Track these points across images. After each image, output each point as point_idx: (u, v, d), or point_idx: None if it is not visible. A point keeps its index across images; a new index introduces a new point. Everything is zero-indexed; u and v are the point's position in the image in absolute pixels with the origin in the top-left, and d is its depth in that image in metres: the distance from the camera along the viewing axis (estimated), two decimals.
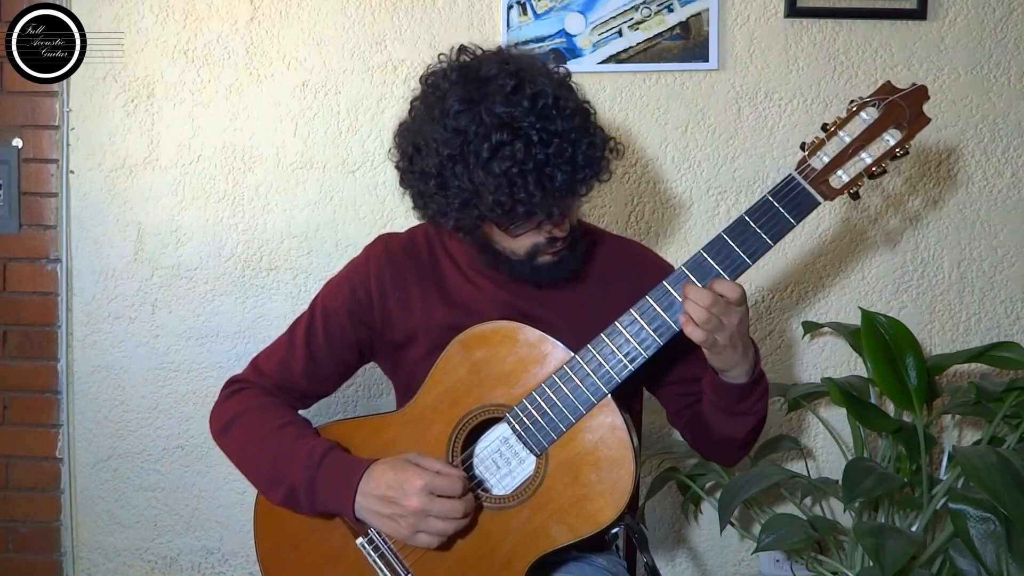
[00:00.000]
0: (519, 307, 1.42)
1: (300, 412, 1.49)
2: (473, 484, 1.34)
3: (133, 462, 2.22)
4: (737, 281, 1.27)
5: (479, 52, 1.36)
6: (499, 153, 1.24)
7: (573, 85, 1.35)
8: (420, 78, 1.38)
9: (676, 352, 1.42)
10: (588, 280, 1.47)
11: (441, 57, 1.38)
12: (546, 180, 1.25)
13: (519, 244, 1.36)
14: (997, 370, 2.03)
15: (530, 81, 1.28)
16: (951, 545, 1.64)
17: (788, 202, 1.25)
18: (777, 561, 2.13)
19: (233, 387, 1.50)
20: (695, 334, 1.24)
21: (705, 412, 1.43)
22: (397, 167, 1.40)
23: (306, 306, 1.54)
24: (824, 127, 1.26)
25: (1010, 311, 2.14)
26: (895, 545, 1.52)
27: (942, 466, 1.97)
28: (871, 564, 1.58)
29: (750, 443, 1.47)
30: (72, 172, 2.17)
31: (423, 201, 1.35)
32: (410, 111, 1.39)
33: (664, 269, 1.51)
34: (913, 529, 1.80)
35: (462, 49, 1.37)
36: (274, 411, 1.44)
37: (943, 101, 2.09)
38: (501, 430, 1.34)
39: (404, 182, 1.39)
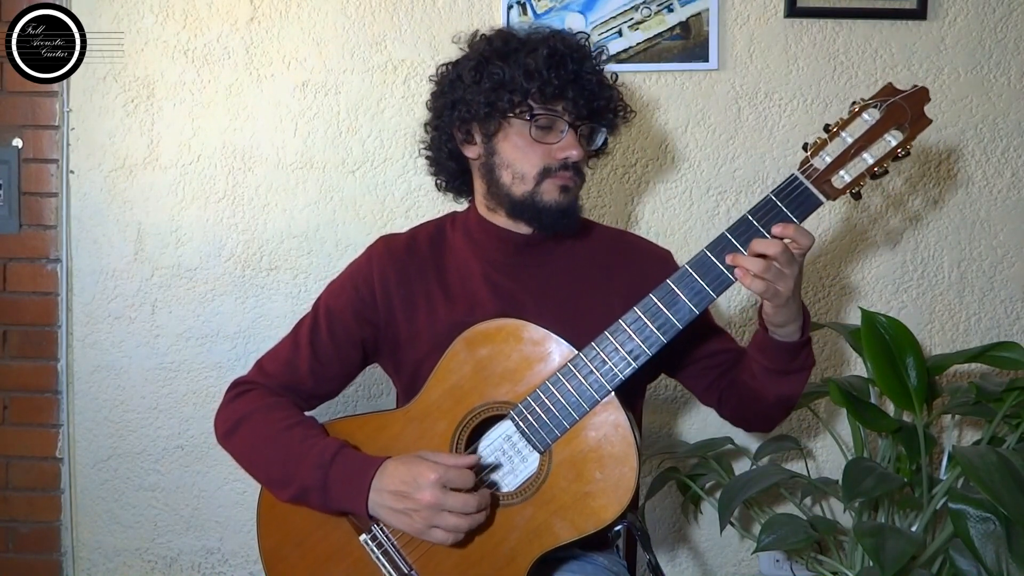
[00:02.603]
0: (518, 298, 1.43)
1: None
2: (476, 481, 1.34)
3: (133, 462, 2.22)
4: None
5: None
6: (542, 41, 1.42)
7: None
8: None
9: (694, 334, 1.42)
10: (585, 269, 1.48)
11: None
12: (575, 73, 1.40)
13: (531, 161, 1.40)
14: (997, 370, 2.04)
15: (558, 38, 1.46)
16: (951, 545, 1.64)
17: (791, 201, 1.25)
18: (777, 561, 2.14)
19: (238, 389, 1.48)
20: (755, 285, 1.23)
21: (755, 378, 1.41)
22: (431, 106, 1.53)
23: (306, 306, 1.54)
24: (826, 128, 1.27)
25: (1010, 311, 2.15)
26: (895, 545, 1.52)
27: (942, 466, 1.97)
28: (871, 564, 1.58)
29: (799, 397, 1.46)
30: (72, 172, 2.17)
31: (453, 110, 1.45)
32: (440, 81, 1.52)
33: (659, 255, 1.54)
34: (913, 529, 1.80)
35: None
36: (282, 411, 1.43)
37: (943, 101, 2.09)
38: (505, 427, 1.34)
39: (436, 113, 1.51)
